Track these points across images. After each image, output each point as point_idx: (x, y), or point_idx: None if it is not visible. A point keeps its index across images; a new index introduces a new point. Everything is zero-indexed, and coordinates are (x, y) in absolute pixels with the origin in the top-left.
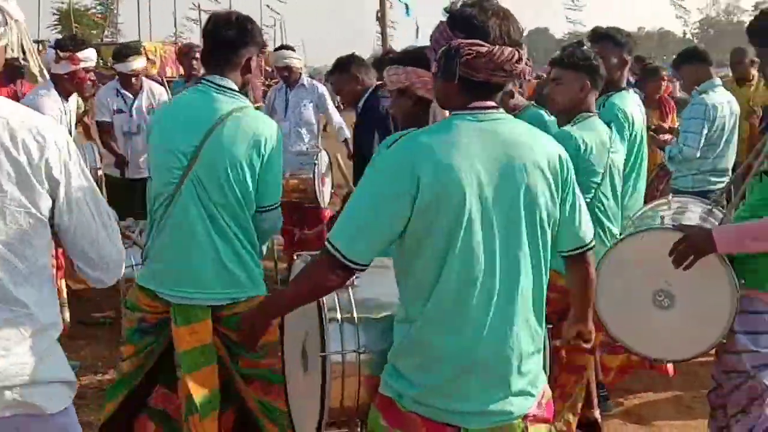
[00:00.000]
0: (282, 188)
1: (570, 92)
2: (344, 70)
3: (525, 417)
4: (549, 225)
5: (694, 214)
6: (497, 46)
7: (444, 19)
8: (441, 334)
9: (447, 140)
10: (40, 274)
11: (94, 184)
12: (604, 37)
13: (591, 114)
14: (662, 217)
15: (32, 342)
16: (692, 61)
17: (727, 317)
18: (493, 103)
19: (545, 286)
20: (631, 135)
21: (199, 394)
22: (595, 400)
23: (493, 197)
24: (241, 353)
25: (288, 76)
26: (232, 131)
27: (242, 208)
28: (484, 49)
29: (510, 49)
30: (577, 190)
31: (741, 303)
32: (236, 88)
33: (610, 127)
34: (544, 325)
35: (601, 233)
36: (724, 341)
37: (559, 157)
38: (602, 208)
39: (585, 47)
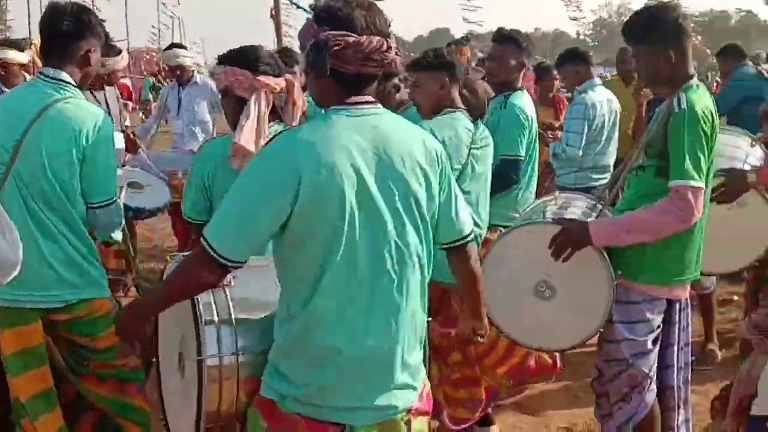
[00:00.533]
0: (176, 187)
1: (430, 93)
2: None
3: (409, 410)
4: (429, 218)
5: (577, 209)
6: (365, 36)
7: (310, 17)
8: (326, 331)
9: (327, 136)
10: None
11: None
12: (507, 38)
13: (454, 109)
14: (544, 212)
15: None
16: (573, 61)
17: (605, 307)
18: (369, 98)
19: (427, 279)
20: (529, 134)
21: (27, 396)
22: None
23: (374, 192)
24: (90, 356)
25: (180, 75)
26: (51, 124)
27: (67, 204)
28: (351, 39)
29: (378, 38)
30: (454, 183)
31: (618, 293)
32: (71, 80)
33: (514, 128)
34: (424, 319)
35: None
36: (603, 330)
37: (435, 150)
38: None
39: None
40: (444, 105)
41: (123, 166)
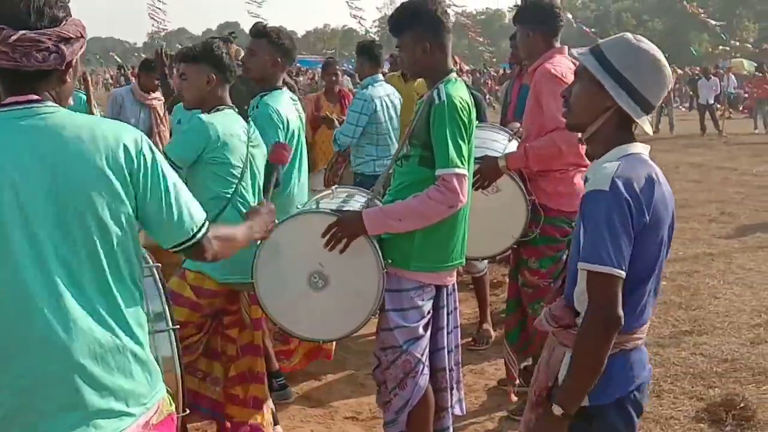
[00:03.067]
0: None
1: (196, 87)
2: None
3: None
4: (118, 225)
5: (355, 202)
6: None
7: None
8: None
9: None
10: None
11: None
12: (261, 34)
13: (225, 107)
14: (318, 203)
15: None
16: (361, 56)
17: (375, 296)
18: (35, 96)
19: (126, 295)
20: (287, 133)
21: None
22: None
23: (34, 204)
24: None
25: None
26: None
27: None
28: None
29: None
30: (172, 183)
31: (389, 282)
32: None
33: (267, 128)
34: (137, 336)
35: None
36: (377, 319)
37: (124, 147)
38: (243, 202)
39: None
40: (212, 103)
41: None
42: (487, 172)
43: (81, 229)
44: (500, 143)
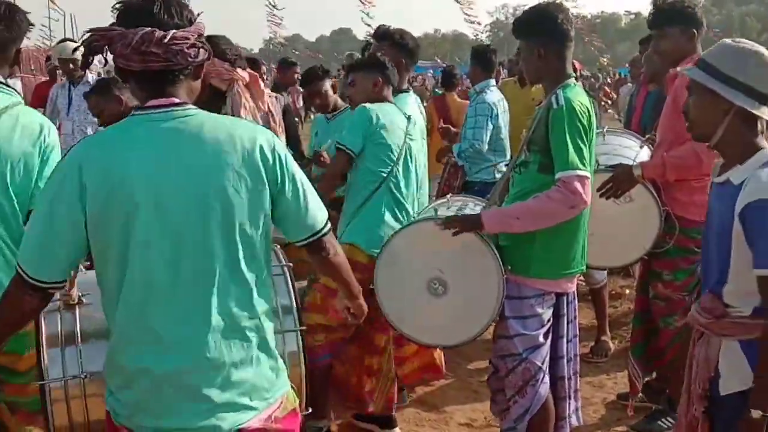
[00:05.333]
0: None
1: (365, 90)
2: (104, 92)
3: (239, 431)
4: (252, 223)
5: (469, 210)
6: (132, 29)
7: None
8: (129, 350)
9: (118, 144)
10: None
11: None
12: (384, 36)
13: (389, 102)
14: (437, 211)
15: None
16: (475, 61)
17: (495, 303)
18: (174, 100)
19: (261, 289)
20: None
21: None
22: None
23: (173, 201)
24: (8, 379)
25: (73, 70)
26: (6, 131)
27: (15, 214)
28: (114, 33)
29: (148, 29)
30: (299, 178)
31: (509, 289)
32: (7, 82)
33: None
34: (264, 331)
35: (397, 212)
36: (496, 326)
37: (261, 147)
38: (396, 183)
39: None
40: (379, 101)
41: None
42: (621, 180)
43: (220, 229)
44: (632, 150)
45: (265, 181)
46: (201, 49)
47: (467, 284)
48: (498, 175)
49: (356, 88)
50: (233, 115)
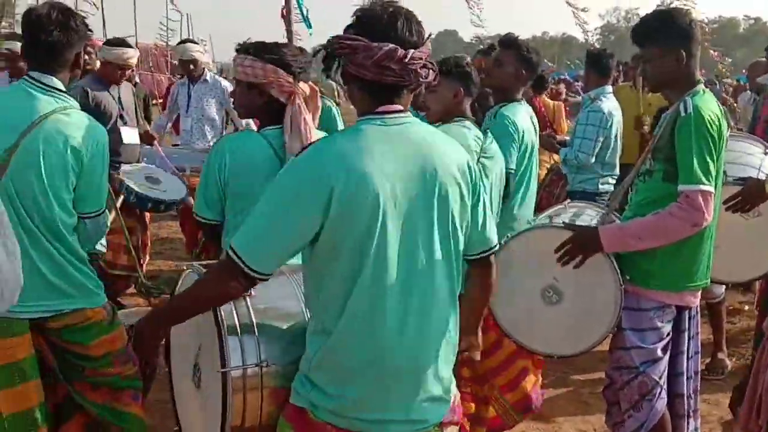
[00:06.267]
0: (186, 186)
1: (443, 99)
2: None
3: (440, 424)
4: (461, 230)
5: (588, 217)
6: (377, 43)
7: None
8: (357, 346)
9: (358, 147)
10: None
11: None
12: (510, 45)
13: (463, 118)
14: (552, 218)
15: None
16: (590, 66)
17: (612, 314)
18: (399, 107)
19: (458, 292)
20: (521, 147)
21: (11, 412)
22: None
23: (405, 204)
24: (84, 363)
25: (193, 70)
26: (49, 135)
27: (57, 216)
28: (359, 44)
29: (392, 46)
30: (484, 193)
31: (627, 300)
32: (62, 87)
33: (503, 139)
34: (457, 330)
35: None
36: (613, 337)
37: (467, 161)
38: None
39: (459, 55)
40: (454, 113)
41: (139, 161)
42: (751, 194)
43: (440, 232)
44: (756, 157)
45: (470, 193)
46: (431, 70)
47: (583, 294)
48: (603, 187)
49: (435, 95)
50: (291, 129)
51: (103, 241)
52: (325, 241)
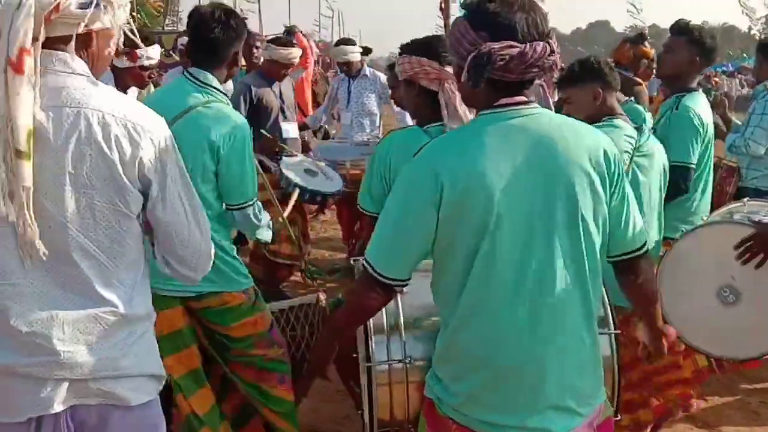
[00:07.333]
0: (344, 178)
1: (584, 106)
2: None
3: None
4: (595, 224)
5: None
6: (528, 45)
7: (461, 15)
8: (473, 340)
9: (470, 143)
10: (129, 269)
11: (189, 180)
12: (681, 31)
13: (613, 116)
14: (731, 214)
15: (117, 337)
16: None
17: None
18: (522, 98)
19: (595, 291)
20: (704, 139)
21: (178, 375)
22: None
23: (523, 199)
24: (228, 343)
25: (348, 70)
26: (188, 127)
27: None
28: (515, 51)
29: (542, 44)
30: (628, 190)
31: None
32: (217, 84)
33: (686, 133)
34: (596, 334)
35: None
36: None
37: (604, 150)
38: None
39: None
40: (600, 115)
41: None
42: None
43: (566, 228)
44: None
45: (607, 184)
46: (556, 61)
47: (763, 295)
48: None
49: (573, 105)
50: (448, 111)
51: (269, 232)
52: (441, 237)
